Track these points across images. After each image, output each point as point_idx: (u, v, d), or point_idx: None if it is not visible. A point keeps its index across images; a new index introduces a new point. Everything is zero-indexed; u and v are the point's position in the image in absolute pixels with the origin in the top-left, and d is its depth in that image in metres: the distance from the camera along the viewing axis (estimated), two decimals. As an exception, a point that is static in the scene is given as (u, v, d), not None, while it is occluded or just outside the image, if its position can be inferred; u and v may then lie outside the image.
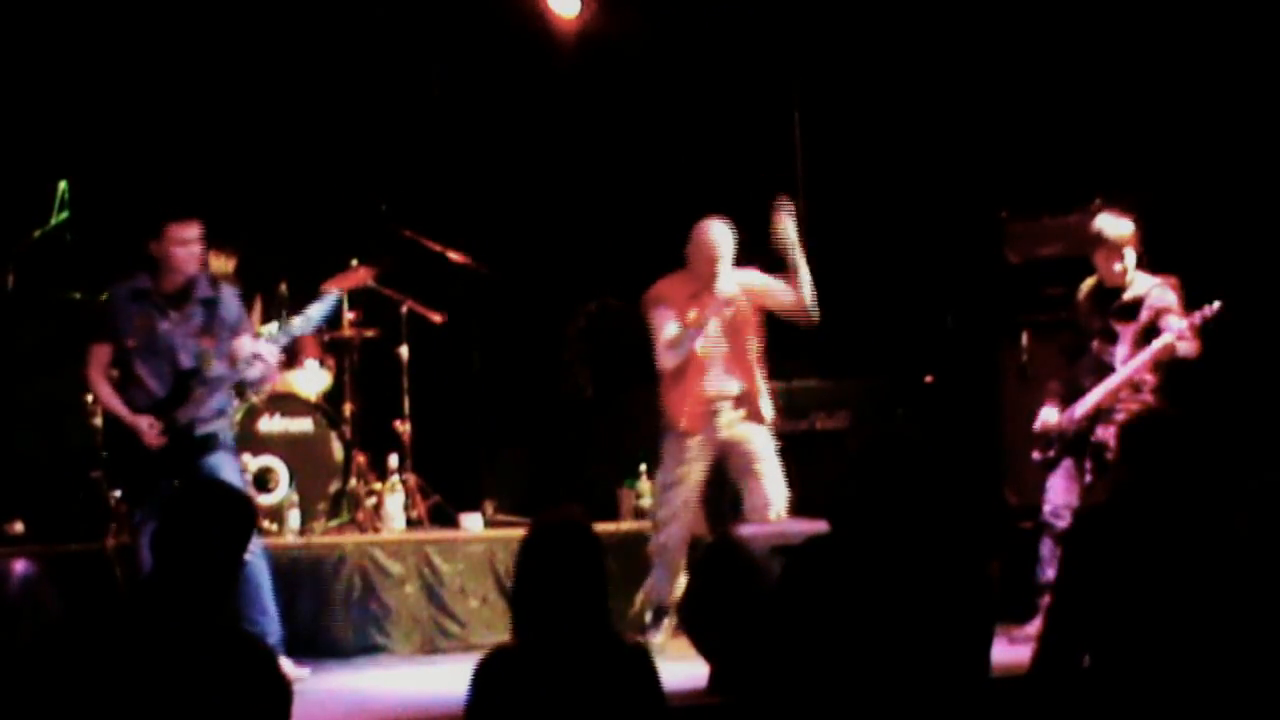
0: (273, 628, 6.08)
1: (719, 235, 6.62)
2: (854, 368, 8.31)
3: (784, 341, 6.96)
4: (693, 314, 6.54)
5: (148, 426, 6.11)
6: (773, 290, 6.66)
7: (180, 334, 6.22)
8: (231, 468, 6.26)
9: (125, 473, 6.28)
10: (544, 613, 3.54)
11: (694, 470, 6.64)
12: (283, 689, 3.39)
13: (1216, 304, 6.23)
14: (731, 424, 6.64)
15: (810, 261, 6.67)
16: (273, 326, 6.78)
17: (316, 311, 6.42)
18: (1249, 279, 7.39)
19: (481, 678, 3.51)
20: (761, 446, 6.65)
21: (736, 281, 6.66)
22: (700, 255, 6.62)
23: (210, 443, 6.20)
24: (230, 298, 6.39)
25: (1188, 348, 6.29)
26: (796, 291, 6.62)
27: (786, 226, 6.59)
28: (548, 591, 3.54)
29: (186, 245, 6.19)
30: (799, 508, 7.15)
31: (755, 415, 6.68)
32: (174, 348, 6.22)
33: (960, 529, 3.86)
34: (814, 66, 8.87)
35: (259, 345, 6.30)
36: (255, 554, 6.01)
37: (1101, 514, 3.90)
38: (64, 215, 7.73)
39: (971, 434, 7.81)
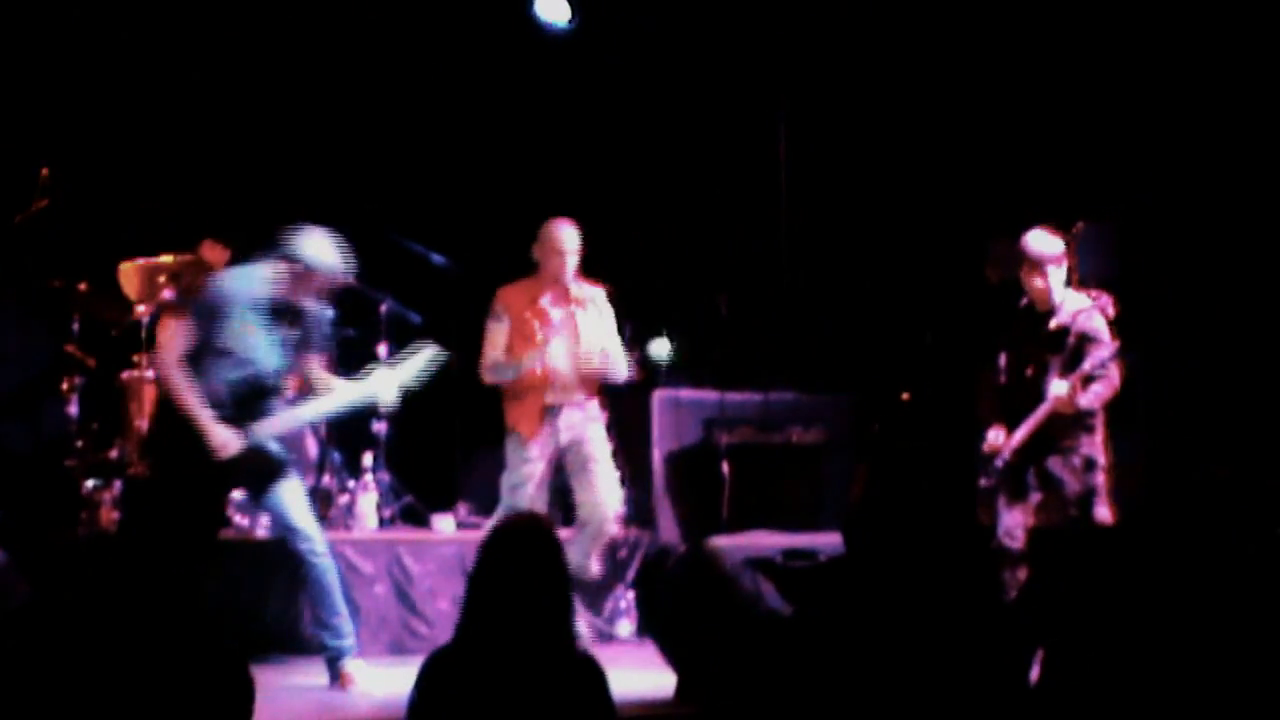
0: (346, 628, 5.96)
1: (566, 233, 6.71)
2: (831, 383, 8.32)
3: (761, 355, 6.95)
4: (528, 357, 6.59)
5: (232, 441, 5.67)
6: (605, 333, 6.75)
7: (281, 350, 5.86)
8: (297, 496, 5.87)
9: (177, 478, 5.59)
10: (499, 615, 3.48)
11: (537, 470, 6.66)
12: (245, 685, 3.37)
13: (1106, 351, 6.11)
14: (570, 427, 6.70)
15: (792, 277, 6.67)
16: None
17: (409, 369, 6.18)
18: (1236, 296, 7.42)
19: (426, 678, 3.47)
20: (598, 448, 6.73)
21: (588, 293, 6.75)
22: (549, 251, 6.69)
23: (283, 468, 5.88)
24: (325, 314, 6.08)
25: (1089, 399, 6.15)
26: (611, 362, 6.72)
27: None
28: (506, 594, 3.49)
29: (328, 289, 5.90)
30: (774, 520, 7.14)
31: (593, 417, 6.76)
32: (269, 363, 5.83)
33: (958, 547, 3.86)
34: (800, 83, 8.89)
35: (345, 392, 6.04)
36: (322, 554, 5.90)
37: (1071, 533, 3.91)
38: (44, 203, 7.69)
39: (946, 452, 7.82)
